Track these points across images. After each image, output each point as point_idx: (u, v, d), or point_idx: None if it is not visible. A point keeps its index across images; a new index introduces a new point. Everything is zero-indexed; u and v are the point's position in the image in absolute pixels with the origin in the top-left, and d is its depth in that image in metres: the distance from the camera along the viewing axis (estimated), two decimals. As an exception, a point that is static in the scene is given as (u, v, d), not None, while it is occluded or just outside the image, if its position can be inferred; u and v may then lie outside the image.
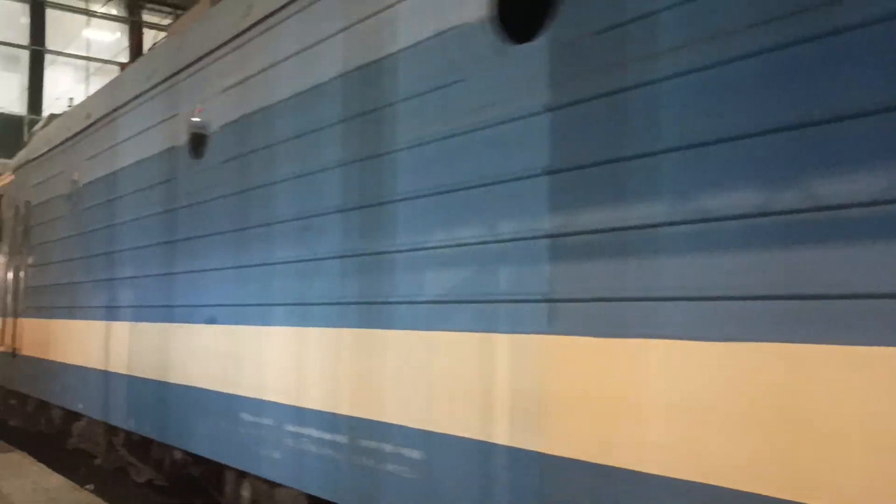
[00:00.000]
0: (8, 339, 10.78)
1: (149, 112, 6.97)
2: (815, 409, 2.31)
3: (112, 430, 7.86)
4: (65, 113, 10.91)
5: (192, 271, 6.02)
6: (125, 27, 33.86)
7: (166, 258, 6.40)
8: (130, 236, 7.13)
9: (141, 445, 7.43)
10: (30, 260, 10.17)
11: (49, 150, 9.88)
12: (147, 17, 33.44)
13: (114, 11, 33.43)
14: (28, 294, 10.20)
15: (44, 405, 10.09)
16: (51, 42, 31.68)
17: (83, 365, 8.11)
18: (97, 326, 7.79)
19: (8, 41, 31.41)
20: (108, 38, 33.55)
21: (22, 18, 31.74)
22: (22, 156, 11.49)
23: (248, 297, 5.20)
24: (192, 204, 6.07)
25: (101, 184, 7.95)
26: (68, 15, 32.30)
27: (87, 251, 8.19)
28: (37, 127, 11.86)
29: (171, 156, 6.43)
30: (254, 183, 5.25)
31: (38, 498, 7.32)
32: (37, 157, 10.41)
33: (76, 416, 8.87)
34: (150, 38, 32.83)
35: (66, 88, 29.77)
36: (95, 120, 8.37)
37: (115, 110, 7.83)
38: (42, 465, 8.93)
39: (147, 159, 6.90)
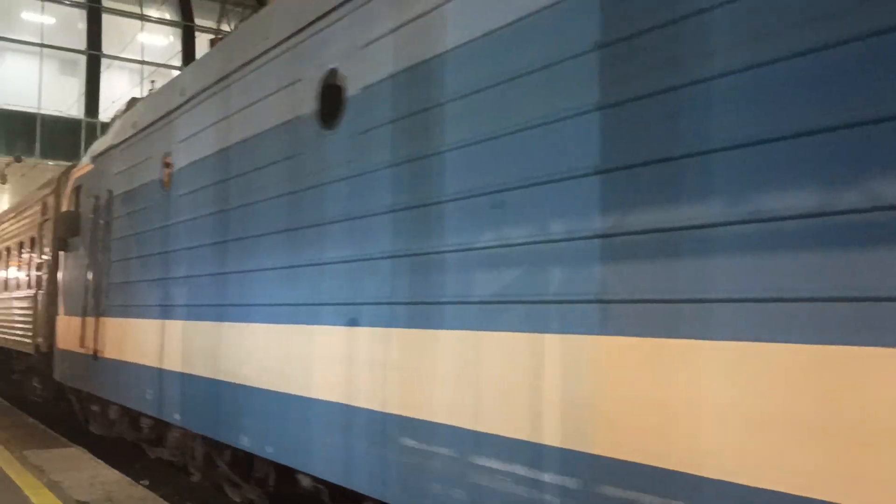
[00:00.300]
0: (89, 341, 9.80)
1: (263, 79, 5.94)
2: (879, 414, 2.24)
3: (212, 443, 6.96)
4: (152, 93, 9.88)
5: (325, 263, 5.00)
6: (178, 31, 34.56)
7: (290, 248, 5.39)
8: (242, 224, 6.11)
9: (241, 462, 6.69)
10: (112, 255, 9.21)
11: (134, 135, 8.91)
12: (199, 21, 34.06)
13: (167, 16, 34.13)
14: (111, 292, 9.21)
15: (127, 412, 9.27)
16: (106, 47, 32.47)
17: (180, 371, 7.16)
18: (201, 329, 6.79)
19: (66, 46, 32.28)
20: (162, 43, 34.27)
21: (79, 24, 32.61)
22: (101, 143, 10.56)
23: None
24: (320, 184, 5.09)
25: (201, 167, 6.95)
26: (123, 20, 33.08)
27: (183, 243, 7.22)
28: (117, 112, 11.03)
29: (295, 127, 5.42)
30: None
31: (96, 492, 7.49)
32: (119, 143, 9.41)
33: (164, 424, 8.13)
34: (202, 42, 33.47)
35: (121, 92, 30.48)
36: (192, 96, 7.33)
37: (217, 82, 6.80)
38: (99, 461, 9.13)
39: (262, 134, 5.90)
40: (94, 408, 10.60)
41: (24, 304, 15.04)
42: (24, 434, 10.90)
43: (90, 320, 9.78)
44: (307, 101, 5.25)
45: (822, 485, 2.35)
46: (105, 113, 31.07)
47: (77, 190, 11.17)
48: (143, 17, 33.34)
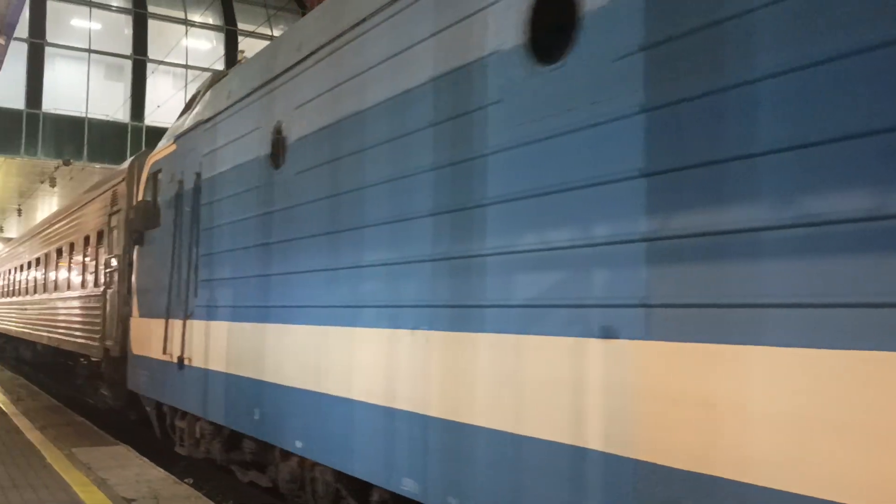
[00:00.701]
0: (173, 347, 8.56)
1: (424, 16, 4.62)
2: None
3: (345, 479, 5.70)
4: (254, 56, 8.28)
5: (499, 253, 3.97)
6: (221, 36, 35.04)
7: (458, 234, 4.26)
8: (386, 206, 4.88)
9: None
10: (201, 248, 7.95)
11: (230, 106, 7.61)
12: (242, 25, 34.48)
13: (210, 20, 34.61)
14: (200, 291, 7.93)
15: (220, 430, 8.00)
16: (151, 51, 33.04)
17: (303, 388, 5.85)
18: (330, 335, 5.50)
19: (113, 51, 32.92)
20: (206, 47, 34.78)
21: (126, 30, 33.23)
22: (186, 121, 9.19)
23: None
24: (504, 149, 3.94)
25: (325, 137, 5.67)
26: (168, 25, 33.62)
27: (298, 231, 6.00)
28: (201, 86, 9.68)
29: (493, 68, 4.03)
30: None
31: (141, 489, 7.63)
32: (210, 119, 8.10)
33: (270, 447, 6.93)
34: (245, 46, 33.87)
35: (165, 96, 30.99)
36: (313, 51, 6.02)
37: (353, 27, 5.44)
38: (144, 459, 9.30)
39: (413, 90, 4.65)
40: (179, 423, 9.05)
41: (91, 304, 13.98)
42: (73, 432, 11.13)
43: (175, 323, 8.56)
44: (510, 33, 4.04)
45: (874, 494, 2.30)
46: (150, 117, 31.66)
47: (155, 176, 9.86)
48: (187, 22, 33.84)
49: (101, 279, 13.25)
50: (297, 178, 6.03)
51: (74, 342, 15.04)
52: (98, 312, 13.15)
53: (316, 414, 5.66)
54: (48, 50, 31.11)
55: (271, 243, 6.47)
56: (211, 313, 7.67)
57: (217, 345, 7.51)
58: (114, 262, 12.40)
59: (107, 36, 32.74)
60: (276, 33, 35.08)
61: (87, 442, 10.28)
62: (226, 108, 7.73)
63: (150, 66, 32.75)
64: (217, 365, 7.47)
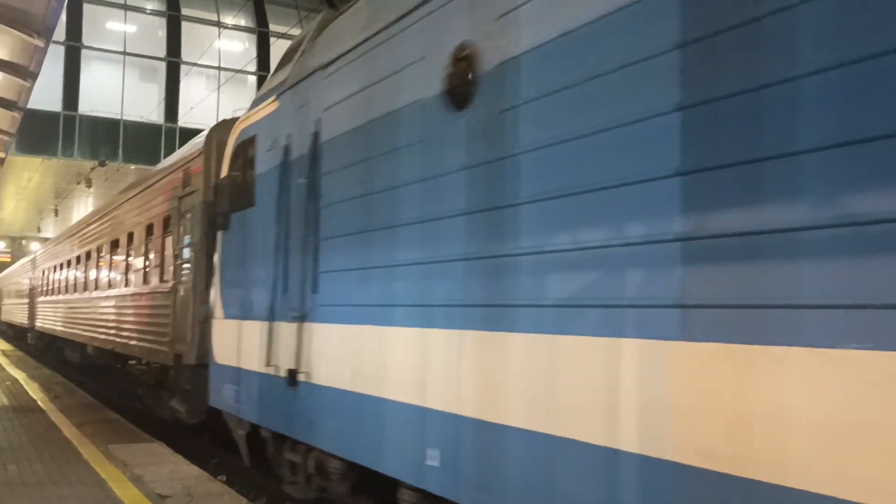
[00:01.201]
0: (281, 357, 6.69)
1: None
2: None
3: None
4: None
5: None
6: (253, 37, 35.37)
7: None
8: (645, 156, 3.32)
9: None
10: (323, 230, 6.13)
11: (370, 38, 5.72)
12: (274, 27, 34.77)
13: (243, 22, 34.96)
14: (321, 285, 6.11)
15: (353, 469, 6.01)
16: (185, 53, 33.45)
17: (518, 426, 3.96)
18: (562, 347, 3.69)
19: (147, 54, 33.38)
20: (238, 49, 35.13)
21: (159, 32, 33.69)
22: (289, 73, 7.32)
23: None
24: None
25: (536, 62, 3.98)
26: (201, 27, 34.02)
27: (506, 193, 4.13)
28: (305, 32, 7.89)
29: None
30: None
31: (175, 486, 7.71)
32: (334, 61, 6.26)
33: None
34: (277, 48, 34.17)
35: (199, 97, 31.37)
36: None
37: None
38: (179, 456, 9.39)
39: None
40: (289, 455, 7.00)
41: (156, 303, 12.16)
42: (108, 429, 11.29)
43: (282, 327, 6.71)
44: None
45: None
46: (184, 118, 32.06)
47: (246, 146, 7.95)
48: (219, 25, 34.21)
49: (170, 274, 11.36)
50: (503, 120, 4.19)
51: (135, 346, 13.31)
52: (166, 312, 11.33)
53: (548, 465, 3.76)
54: (84, 53, 31.65)
55: (447, 216, 4.58)
56: (340, 315, 5.77)
57: (353, 357, 5.58)
58: (186, 254, 10.57)
59: (141, 38, 33.23)
60: (308, 35, 35.30)
61: (122, 439, 10.41)
62: (360, 44, 5.81)
63: (183, 67, 33.16)
64: (355, 384, 5.51)
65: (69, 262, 22.60)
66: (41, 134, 29.54)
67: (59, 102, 30.68)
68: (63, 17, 28.97)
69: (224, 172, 8.50)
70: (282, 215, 6.81)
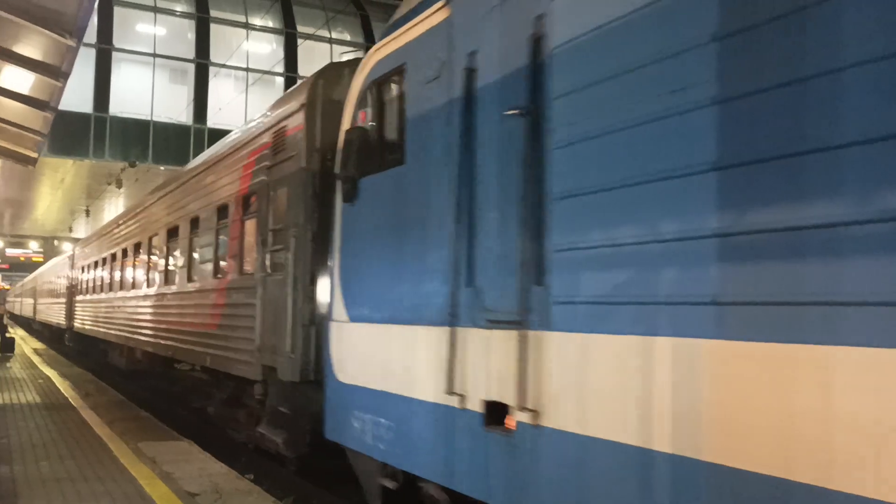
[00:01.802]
0: (479, 382, 4.65)
1: None
2: None
3: None
4: None
5: None
6: (281, 39, 35.57)
7: None
8: None
9: None
10: (556, 183, 4.09)
11: None
12: (301, 28, 34.94)
13: (270, 24, 35.18)
14: (562, 270, 4.01)
15: None
16: (213, 55, 33.74)
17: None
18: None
19: (177, 55, 33.71)
20: (266, 50, 35.36)
21: (189, 34, 34.00)
22: None
23: None
24: None
25: None
26: (229, 29, 34.28)
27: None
28: None
29: None
30: None
31: (204, 484, 7.74)
32: None
33: None
34: (304, 49, 34.35)
35: (227, 98, 31.61)
36: None
37: None
38: (207, 454, 9.44)
39: None
40: None
41: (236, 300, 9.83)
42: (138, 427, 11.38)
43: (475, 337, 4.66)
44: None
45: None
46: (212, 119, 32.33)
47: (387, 82, 6.16)
48: (247, 26, 34.45)
49: (254, 264, 9.22)
50: None
51: (202, 353, 11.13)
52: (248, 313, 9.11)
53: None
54: (115, 55, 32.03)
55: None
56: (604, 318, 3.69)
57: (645, 391, 3.41)
58: (285, 237, 8.19)
59: (171, 40, 33.56)
60: (335, 36, 35.50)
61: (152, 437, 10.49)
62: None
63: (212, 69, 33.44)
64: (652, 437, 3.36)
65: (113, 257, 20.14)
66: (73, 135, 29.94)
67: (90, 104, 31.07)
68: (94, 20, 29.35)
69: (345, 125, 6.57)
70: (462, 170, 4.82)
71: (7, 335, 28.12)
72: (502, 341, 4.33)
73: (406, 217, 5.53)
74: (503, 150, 4.49)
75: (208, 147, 15.80)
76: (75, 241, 39.33)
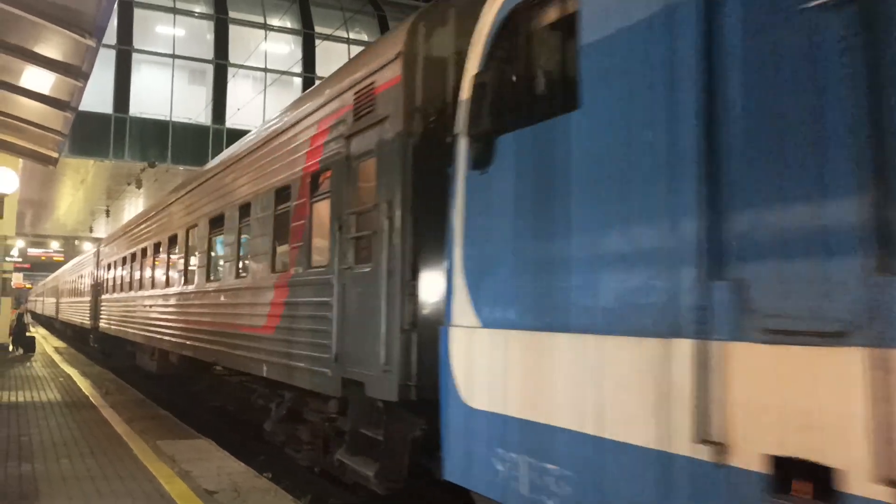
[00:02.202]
0: (751, 427, 3.10)
1: None
2: None
3: None
4: None
5: None
6: (299, 39, 35.68)
7: None
8: None
9: None
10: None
11: None
12: (319, 29, 35.04)
13: (288, 24, 35.30)
14: None
15: None
16: (231, 56, 33.90)
17: None
18: None
19: (195, 56, 33.90)
20: (284, 51, 35.49)
21: (207, 35, 34.19)
22: None
23: None
24: None
25: None
26: (247, 29, 34.43)
27: None
28: None
29: None
30: None
31: (222, 482, 7.76)
32: None
33: None
34: (321, 50, 34.44)
35: (245, 99, 31.74)
36: None
37: None
38: (225, 452, 9.46)
39: None
40: None
41: (297, 300, 8.51)
42: (157, 425, 11.42)
43: (784, 357, 2.97)
44: None
45: None
46: (231, 119, 32.48)
47: (542, 6, 4.79)
48: (265, 27, 34.58)
49: (327, 255, 7.76)
50: None
51: (258, 360, 9.54)
52: (322, 313, 7.67)
53: None
54: (135, 56, 32.25)
55: None
56: None
57: None
58: (374, 220, 6.80)
59: (190, 41, 33.76)
60: (353, 36, 35.57)
61: (170, 435, 10.53)
62: None
63: (230, 70, 33.60)
64: None
65: (145, 253, 18.44)
66: (93, 136, 30.18)
67: (110, 105, 31.32)
68: (114, 22, 29.60)
69: (471, 70, 5.17)
70: (710, 103, 3.38)
71: (28, 334, 28.33)
72: (813, 364, 2.81)
73: (588, 181, 4.07)
74: (803, 64, 2.94)
75: (227, 148, 14.85)
76: (96, 240, 39.59)
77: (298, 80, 34.68)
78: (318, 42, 34.87)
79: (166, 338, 14.95)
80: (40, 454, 8.88)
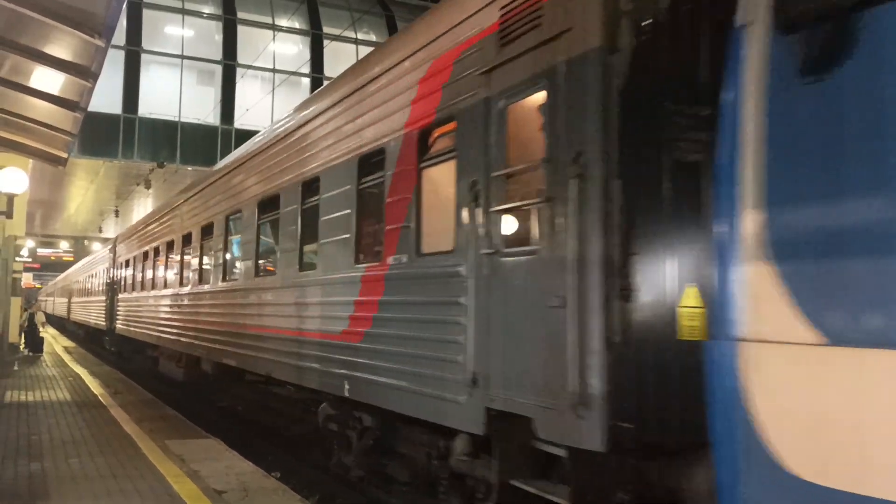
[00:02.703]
0: None
1: None
2: None
3: None
4: None
5: None
6: (307, 40, 35.73)
7: None
8: None
9: None
10: None
11: None
12: (328, 29, 35.07)
13: (297, 25, 35.35)
14: None
15: None
16: (240, 56, 33.98)
17: None
18: None
19: (204, 57, 33.99)
20: (292, 51, 35.54)
21: (216, 36, 34.27)
22: None
23: None
24: None
25: None
26: (256, 30, 34.50)
27: None
28: None
29: None
30: None
31: (231, 482, 7.76)
32: None
33: None
34: (330, 50, 34.47)
35: (254, 99, 31.79)
36: None
37: None
38: (234, 452, 9.46)
39: None
40: None
41: (400, 298, 6.60)
42: (166, 425, 11.44)
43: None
44: None
45: None
46: (239, 120, 32.54)
47: None
48: (274, 27, 34.64)
49: (465, 235, 5.65)
50: None
51: (338, 376, 7.53)
52: (449, 317, 5.74)
53: None
54: (144, 57, 32.36)
55: None
56: None
57: None
58: (547, 182, 4.88)
59: (198, 42, 33.87)
60: (361, 37, 35.60)
61: (179, 434, 10.54)
62: None
63: (238, 70, 33.68)
64: None
65: (171, 246, 16.36)
66: (102, 136, 30.30)
67: (119, 105, 31.44)
68: (123, 22, 29.71)
69: None
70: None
71: (38, 335, 28.41)
72: None
73: None
74: None
75: (236, 148, 13.86)
76: (105, 240, 39.65)
77: (307, 81, 34.74)
78: (326, 43, 34.91)
79: (199, 342, 13.09)
80: (50, 453, 8.91)
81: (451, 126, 6.04)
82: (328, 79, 31.49)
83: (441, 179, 6.22)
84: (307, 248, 8.87)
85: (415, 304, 6.32)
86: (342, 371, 7.46)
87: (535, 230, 5.11)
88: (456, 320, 5.64)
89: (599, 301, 4.37)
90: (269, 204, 10.15)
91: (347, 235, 7.66)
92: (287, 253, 9.31)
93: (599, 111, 4.50)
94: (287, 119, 10.24)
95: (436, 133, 6.35)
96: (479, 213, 5.43)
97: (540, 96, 5.03)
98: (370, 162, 7.31)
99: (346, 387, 7.39)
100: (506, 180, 5.30)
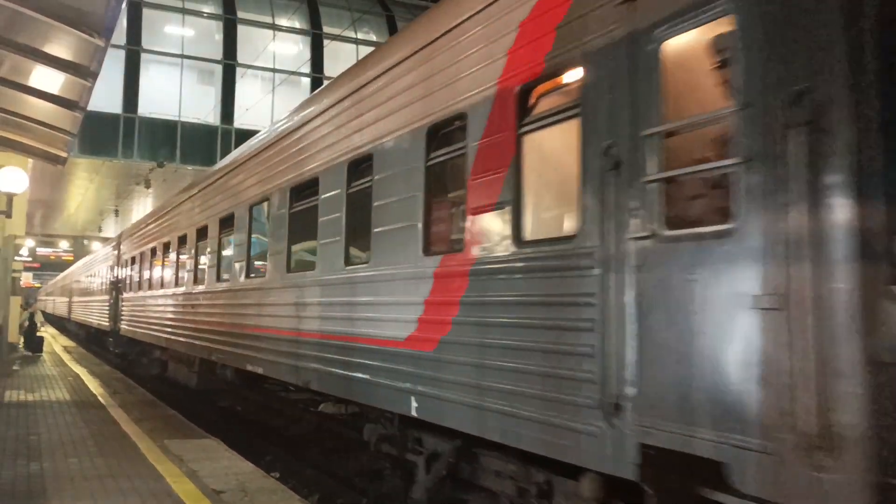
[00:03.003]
0: None
1: None
2: None
3: None
4: None
5: None
6: (307, 40, 35.72)
7: None
8: None
9: None
10: None
11: None
12: (328, 29, 35.08)
13: (297, 24, 35.35)
14: None
15: None
16: (240, 56, 33.98)
17: None
18: None
19: (204, 56, 33.99)
20: (292, 51, 35.54)
21: (216, 35, 34.27)
22: None
23: None
24: None
25: None
26: (256, 30, 34.50)
27: None
28: None
29: None
30: None
31: (230, 482, 7.75)
32: None
33: None
34: (330, 50, 34.47)
35: (254, 99, 31.80)
36: None
37: None
38: (233, 452, 9.45)
39: None
40: None
41: (491, 298, 5.32)
42: (165, 425, 11.43)
43: None
44: None
45: None
46: (239, 119, 32.55)
47: None
48: (274, 27, 34.64)
49: (606, 212, 4.35)
50: None
51: (414, 394, 6.20)
52: (574, 320, 4.53)
53: None
54: (143, 56, 32.36)
55: None
56: None
57: None
58: (745, 137, 3.57)
59: (198, 42, 33.88)
60: (362, 37, 35.59)
61: (178, 434, 10.53)
62: None
63: (238, 70, 33.67)
64: None
65: (183, 241, 15.02)
66: (102, 136, 30.31)
67: (119, 105, 31.44)
68: (123, 22, 29.72)
69: None
70: None
71: (38, 334, 28.40)
72: None
73: None
74: None
75: (235, 148, 12.94)
76: (104, 240, 39.60)
77: (307, 81, 34.74)
78: (326, 42, 34.91)
79: (217, 346, 11.80)
80: (49, 453, 8.89)
81: (570, 77, 4.79)
82: (328, 79, 31.50)
83: (554, 146, 5.14)
84: (355, 238, 7.56)
85: (515, 305, 5.04)
86: (407, 385, 6.22)
87: (714, 204, 3.86)
88: (581, 325, 4.41)
89: (855, 300, 3.09)
90: (301, 190, 8.94)
91: (412, 223, 6.32)
92: (328, 245, 7.98)
93: (841, 26, 3.18)
94: (330, 87, 8.68)
95: (545, 87, 5.05)
96: (622, 185, 4.19)
97: (718, 24, 3.76)
98: (445, 131, 6.08)
99: (414, 405, 6.14)
100: (662, 140, 4.01)
